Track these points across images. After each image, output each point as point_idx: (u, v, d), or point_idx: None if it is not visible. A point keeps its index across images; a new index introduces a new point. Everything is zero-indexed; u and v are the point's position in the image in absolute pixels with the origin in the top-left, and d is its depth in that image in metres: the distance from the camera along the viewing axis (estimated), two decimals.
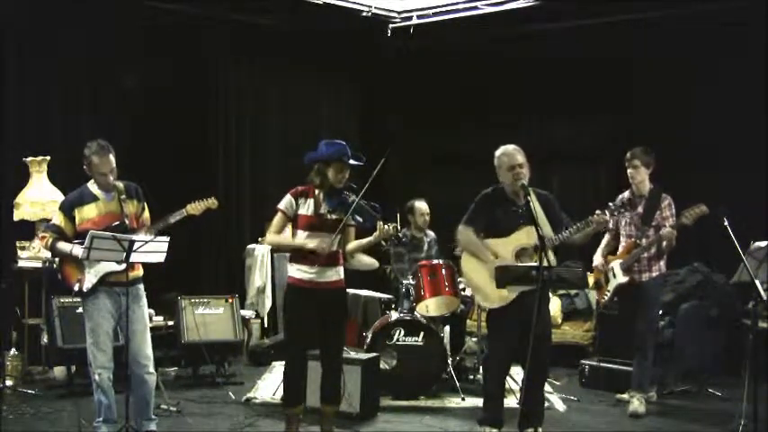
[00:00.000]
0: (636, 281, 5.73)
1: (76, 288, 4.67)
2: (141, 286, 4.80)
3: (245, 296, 7.79)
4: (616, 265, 5.79)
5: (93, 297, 4.65)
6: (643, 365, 5.72)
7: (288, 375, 4.83)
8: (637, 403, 5.67)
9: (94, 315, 4.65)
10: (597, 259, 5.98)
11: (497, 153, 4.98)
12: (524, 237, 4.81)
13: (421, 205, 6.91)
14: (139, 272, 4.80)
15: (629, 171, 5.78)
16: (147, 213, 4.89)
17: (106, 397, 4.63)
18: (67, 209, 4.69)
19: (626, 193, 5.84)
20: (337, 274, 4.79)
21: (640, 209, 5.74)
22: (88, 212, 4.67)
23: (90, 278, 4.64)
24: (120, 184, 4.73)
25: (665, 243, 5.58)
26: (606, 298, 5.91)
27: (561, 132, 8.58)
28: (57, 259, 4.90)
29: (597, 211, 4.77)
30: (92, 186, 4.74)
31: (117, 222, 4.65)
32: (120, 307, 4.65)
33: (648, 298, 5.75)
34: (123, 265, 4.52)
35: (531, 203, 4.59)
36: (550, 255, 4.61)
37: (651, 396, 5.92)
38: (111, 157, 4.66)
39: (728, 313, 6.62)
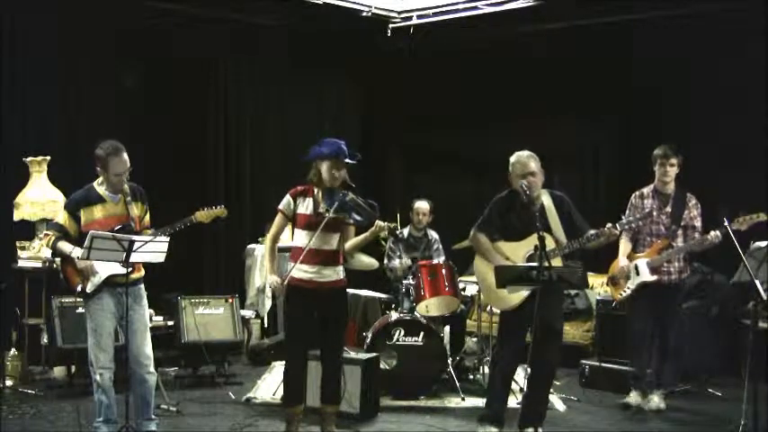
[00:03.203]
0: (665, 282, 5.64)
1: (78, 289, 4.68)
2: (142, 286, 4.80)
3: (245, 296, 7.79)
4: (641, 263, 5.66)
5: (96, 297, 4.65)
6: (671, 364, 5.74)
7: (288, 375, 4.84)
8: (657, 399, 5.71)
9: (97, 315, 4.64)
10: (623, 261, 5.76)
11: (512, 159, 4.98)
12: (535, 242, 4.75)
13: (419, 205, 6.90)
14: (141, 272, 4.80)
15: (663, 169, 5.65)
16: (147, 216, 4.89)
17: (107, 397, 4.62)
18: (73, 208, 4.67)
19: (646, 189, 5.74)
20: (337, 273, 4.81)
21: (668, 208, 5.66)
22: (94, 214, 4.65)
23: (93, 281, 4.64)
24: (126, 186, 4.73)
25: (706, 244, 5.47)
26: (624, 295, 5.74)
27: (561, 132, 8.56)
28: (58, 259, 4.89)
29: (608, 225, 4.77)
30: (98, 187, 4.71)
31: (122, 225, 4.64)
32: (122, 307, 4.64)
33: (678, 299, 5.78)
34: (126, 269, 4.51)
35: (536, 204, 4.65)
36: (558, 261, 4.70)
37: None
38: (126, 157, 4.63)
39: (728, 313, 6.62)
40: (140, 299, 4.77)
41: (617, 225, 4.79)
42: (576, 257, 7.27)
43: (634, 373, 5.82)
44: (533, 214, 4.66)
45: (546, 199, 4.90)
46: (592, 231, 4.79)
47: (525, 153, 4.97)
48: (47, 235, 4.72)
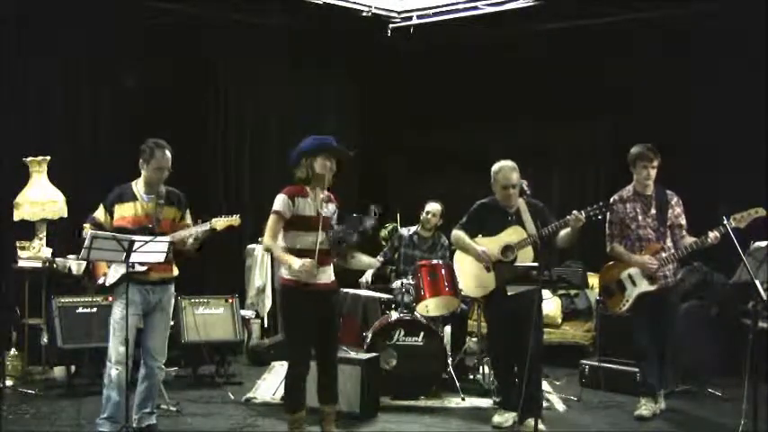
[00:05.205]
0: (663, 287, 5.54)
1: (100, 281, 4.86)
2: (172, 286, 4.89)
3: (245, 296, 7.79)
4: (635, 272, 5.56)
5: (122, 293, 4.65)
6: (670, 365, 5.76)
7: (292, 381, 4.66)
8: (662, 402, 5.74)
9: (121, 310, 4.66)
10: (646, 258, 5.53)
11: (494, 168, 5.32)
12: (509, 235, 5.27)
13: (431, 206, 6.83)
14: (173, 272, 4.86)
15: (645, 172, 5.55)
16: (187, 221, 4.95)
17: (117, 394, 4.65)
18: (109, 204, 4.79)
19: (624, 193, 5.70)
20: (329, 274, 4.75)
21: (653, 210, 5.58)
22: (125, 211, 4.75)
23: (113, 274, 4.76)
24: (163, 189, 4.82)
25: (705, 245, 5.37)
26: (625, 308, 5.61)
27: (561, 132, 8.57)
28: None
29: (574, 212, 4.98)
30: (135, 186, 4.82)
31: (144, 226, 4.69)
32: (149, 305, 4.72)
33: (675, 300, 5.77)
34: (144, 267, 4.61)
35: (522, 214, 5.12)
36: (528, 251, 5.15)
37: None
38: (169, 155, 4.78)
39: (728, 313, 6.61)
40: (170, 299, 4.87)
41: (582, 212, 4.97)
42: (577, 257, 7.31)
43: (643, 379, 5.72)
44: (509, 217, 5.28)
45: (522, 205, 5.30)
46: (555, 224, 5.09)
47: (509, 165, 5.27)
48: (85, 226, 4.81)
